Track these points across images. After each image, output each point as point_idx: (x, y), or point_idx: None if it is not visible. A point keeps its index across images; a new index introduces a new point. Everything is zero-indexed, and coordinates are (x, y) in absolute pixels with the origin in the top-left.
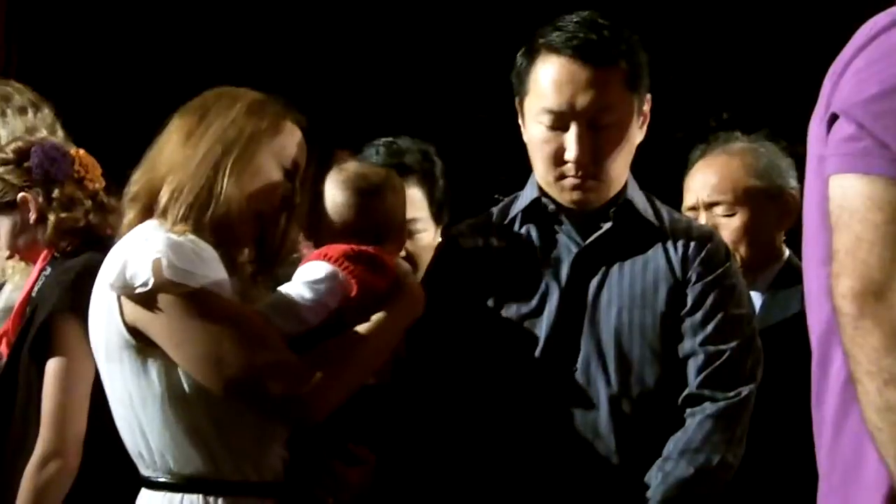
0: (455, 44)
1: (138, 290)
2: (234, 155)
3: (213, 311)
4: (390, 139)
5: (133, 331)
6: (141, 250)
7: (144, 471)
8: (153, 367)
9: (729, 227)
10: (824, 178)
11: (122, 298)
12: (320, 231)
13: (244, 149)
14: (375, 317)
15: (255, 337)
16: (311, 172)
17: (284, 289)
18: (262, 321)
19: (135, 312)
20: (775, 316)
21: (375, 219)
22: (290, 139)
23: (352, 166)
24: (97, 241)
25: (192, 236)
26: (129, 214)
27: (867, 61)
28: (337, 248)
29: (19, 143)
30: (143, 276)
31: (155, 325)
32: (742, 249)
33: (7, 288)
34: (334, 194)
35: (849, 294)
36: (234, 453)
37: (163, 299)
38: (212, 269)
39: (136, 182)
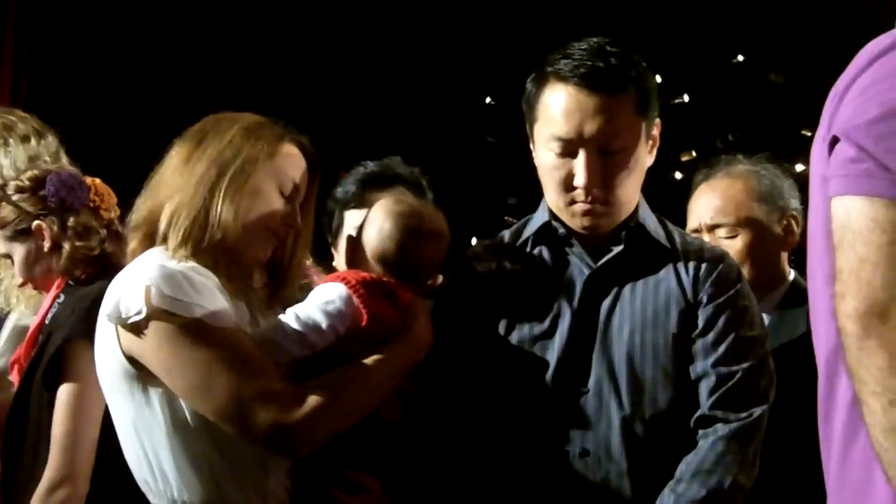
0: (465, 68)
1: (131, 320)
2: (229, 176)
3: (202, 340)
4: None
5: (131, 360)
6: (133, 280)
7: (153, 499)
8: (155, 396)
9: (732, 249)
10: (828, 199)
11: (119, 328)
12: (356, 254)
13: (240, 170)
14: (377, 353)
15: (244, 366)
16: (314, 193)
17: (293, 311)
18: (254, 350)
19: (130, 342)
20: (783, 336)
21: (415, 261)
22: (289, 160)
23: (411, 201)
24: (112, 270)
25: (191, 263)
26: (133, 243)
27: (868, 83)
28: (356, 274)
29: (35, 172)
30: (135, 306)
31: (148, 354)
32: (745, 271)
33: (13, 317)
34: (383, 224)
35: (853, 314)
36: (239, 482)
37: (153, 328)
38: (204, 297)
39: (138, 209)
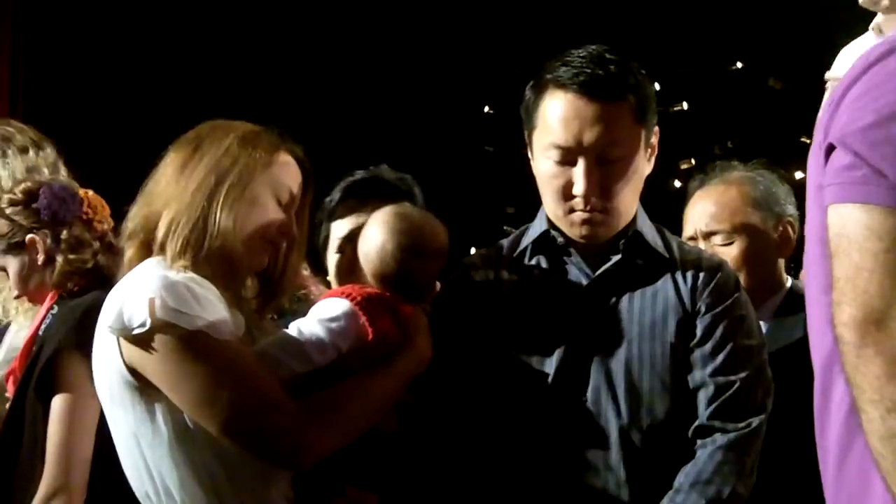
0: (463, 76)
1: (135, 332)
2: (227, 185)
3: (206, 352)
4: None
5: (133, 372)
6: (137, 291)
7: None
8: (158, 409)
9: (728, 256)
10: (824, 207)
11: (121, 340)
12: (354, 267)
13: (238, 179)
14: (379, 367)
15: (247, 380)
16: (308, 203)
17: (296, 325)
18: (257, 363)
19: (133, 354)
20: (780, 344)
21: (417, 280)
22: (285, 169)
23: (413, 215)
24: (105, 282)
25: (190, 273)
26: (129, 251)
27: (864, 90)
28: (360, 290)
29: (28, 184)
30: (139, 318)
31: (151, 366)
32: (742, 278)
33: (12, 328)
34: (385, 245)
35: (850, 322)
36: (241, 494)
37: (158, 341)
38: (207, 308)
39: (133, 218)
